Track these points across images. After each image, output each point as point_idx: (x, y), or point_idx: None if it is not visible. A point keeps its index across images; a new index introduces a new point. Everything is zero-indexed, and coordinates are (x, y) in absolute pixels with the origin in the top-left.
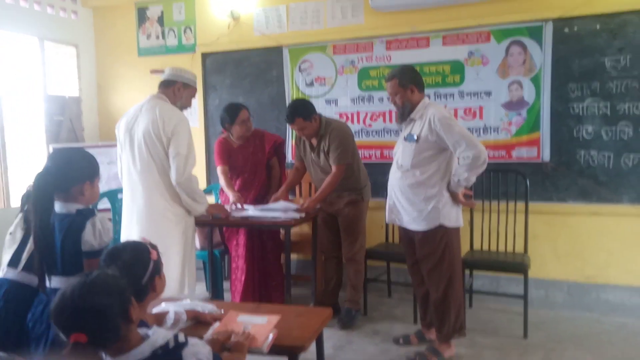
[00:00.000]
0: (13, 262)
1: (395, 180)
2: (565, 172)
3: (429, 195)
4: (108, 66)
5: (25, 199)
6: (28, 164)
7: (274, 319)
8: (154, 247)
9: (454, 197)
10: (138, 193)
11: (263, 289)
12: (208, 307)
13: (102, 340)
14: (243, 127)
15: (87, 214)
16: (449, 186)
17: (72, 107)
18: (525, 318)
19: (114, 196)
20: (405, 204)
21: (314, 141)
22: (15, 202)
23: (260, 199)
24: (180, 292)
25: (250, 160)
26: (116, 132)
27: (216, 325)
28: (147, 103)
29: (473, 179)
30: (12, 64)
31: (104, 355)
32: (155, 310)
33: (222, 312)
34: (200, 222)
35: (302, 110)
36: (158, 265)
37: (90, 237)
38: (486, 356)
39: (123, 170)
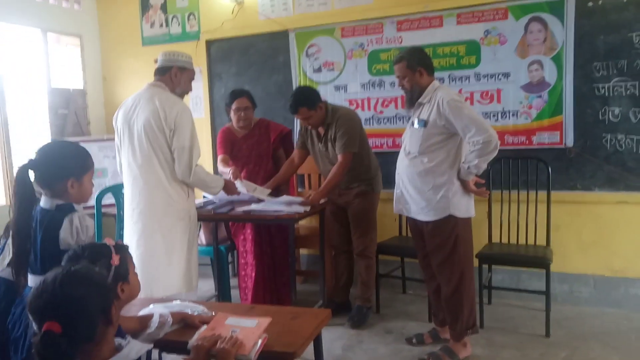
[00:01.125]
0: None
1: (402, 168)
2: (591, 158)
3: (438, 184)
4: (113, 57)
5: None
6: None
7: (265, 321)
8: (121, 250)
9: (464, 185)
10: (139, 188)
11: (274, 285)
12: (198, 309)
13: (76, 335)
14: (236, 114)
15: (66, 210)
16: (459, 174)
17: (77, 100)
18: (547, 315)
19: (118, 191)
20: (413, 193)
21: (321, 130)
22: None
23: None
24: (187, 290)
25: (255, 150)
26: (114, 123)
27: (203, 329)
28: (146, 92)
29: (484, 166)
30: (14, 56)
31: None
32: (141, 312)
33: (213, 314)
34: (204, 217)
35: (305, 98)
36: (121, 271)
37: (67, 235)
38: (504, 356)
39: (123, 164)
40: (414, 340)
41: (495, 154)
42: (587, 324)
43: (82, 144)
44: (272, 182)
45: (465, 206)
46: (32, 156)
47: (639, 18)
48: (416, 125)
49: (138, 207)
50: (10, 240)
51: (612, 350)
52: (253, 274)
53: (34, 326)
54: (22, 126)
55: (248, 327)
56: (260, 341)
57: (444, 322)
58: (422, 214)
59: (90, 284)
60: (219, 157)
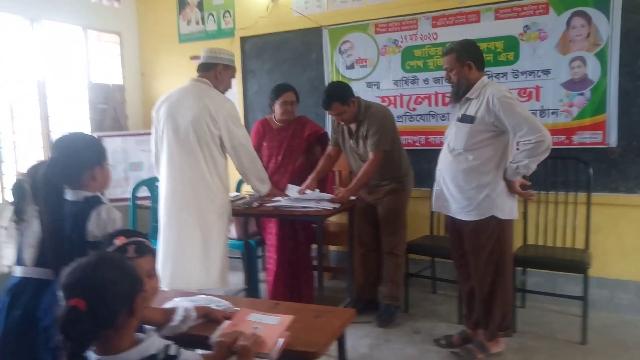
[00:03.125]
0: (19, 260)
1: (445, 165)
2: (635, 159)
3: (483, 183)
4: (150, 54)
5: (16, 189)
6: None
7: (287, 319)
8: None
9: (510, 186)
10: (181, 182)
11: (294, 281)
12: (223, 304)
13: (98, 317)
14: (282, 108)
15: (94, 202)
16: (506, 174)
17: (116, 95)
18: (584, 321)
19: (152, 184)
20: (454, 191)
21: (353, 127)
22: None
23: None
24: (221, 284)
25: (287, 142)
26: (153, 115)
27: (225, 324)
28: (192, 88)
29: (534, 167)
30: (56, 53)
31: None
32: (166, 305)
33: (237, 309)
34: (235, 212)
35: (339, 93)
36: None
37: (94, 228)
38: None
39: (162, 158)
40: (442, 342)
41: (546, 155)
42: (627, 332)
43: (121, 138)
44: (314, 176)
45: (509, 207)
46: (51, 155)
47: None
48: (462, 120)
49: (179, 200)
50: (18, 241)
51: None
52: (274, 268)
53: (63, 303)
54: (62, 120)
55: (270, 325)
56: (281, 340)
57: (477, 324)
58: (463, 213)
59: (122, 271)
60: None
